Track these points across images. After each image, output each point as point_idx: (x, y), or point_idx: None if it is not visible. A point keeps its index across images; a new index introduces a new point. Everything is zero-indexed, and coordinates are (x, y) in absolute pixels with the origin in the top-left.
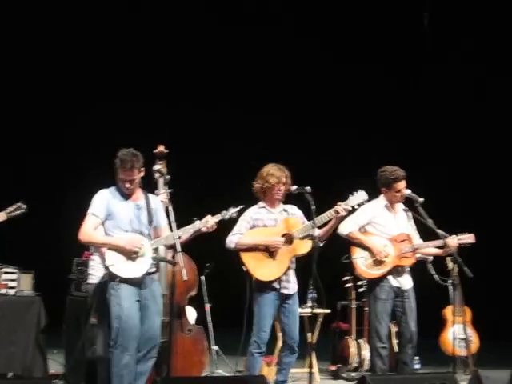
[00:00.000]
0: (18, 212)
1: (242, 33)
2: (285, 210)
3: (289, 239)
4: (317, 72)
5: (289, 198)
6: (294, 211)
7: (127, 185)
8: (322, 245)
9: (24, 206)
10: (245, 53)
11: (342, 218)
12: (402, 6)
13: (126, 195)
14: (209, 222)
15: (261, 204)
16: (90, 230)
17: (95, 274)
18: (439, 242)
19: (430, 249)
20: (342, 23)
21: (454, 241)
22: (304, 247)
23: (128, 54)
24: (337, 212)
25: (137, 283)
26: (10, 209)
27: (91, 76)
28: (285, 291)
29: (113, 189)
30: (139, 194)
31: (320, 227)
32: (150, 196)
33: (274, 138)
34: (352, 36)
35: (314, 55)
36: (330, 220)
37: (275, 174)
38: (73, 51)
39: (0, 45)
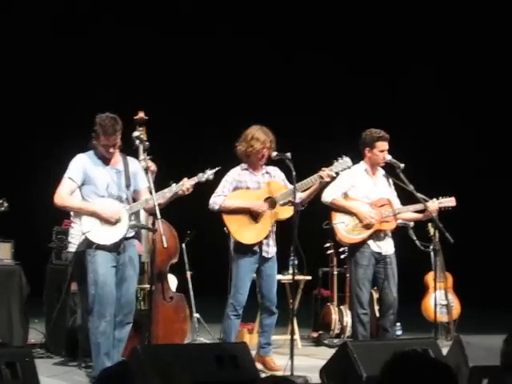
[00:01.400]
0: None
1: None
2: (267, 173)
3: (271, 203)
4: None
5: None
6: (277, 173)
7: (111, 149)
8: (303, 208)
9: (6, 205)
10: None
11: (325, 183)
12: None
13: (105, 160)
14: (184, 185)
15: (243, 166)
16: (65, 193)
17: (75, 242)
18: (420, 206)
19: (410, 214)
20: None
21: (434, 204)
22: (286, 212)
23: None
24: (321, 177)
25: (113, 249)
26: None
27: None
28: (265, 255)
29: (90, 153)
30: (117, 157)
31: (303, 191)
32: (129, 159)
33: (260, 97)
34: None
35: None
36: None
37: (260, 138)
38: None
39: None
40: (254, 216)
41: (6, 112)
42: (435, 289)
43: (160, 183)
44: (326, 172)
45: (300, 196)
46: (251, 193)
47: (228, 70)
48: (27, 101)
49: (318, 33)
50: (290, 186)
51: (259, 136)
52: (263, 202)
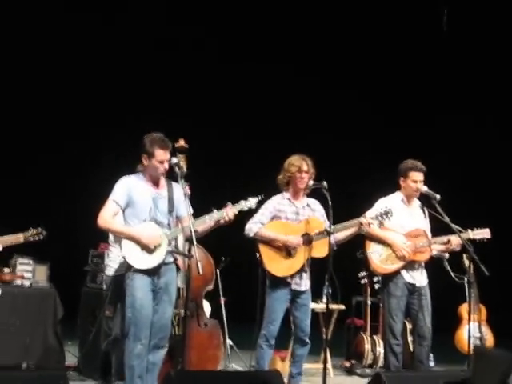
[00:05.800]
0: (36, 238)
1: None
2: (308, 205)
3: (307, 240)
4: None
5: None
6: (317, 207)
7: (166, 164)
8: (335, 248)
9: (44, 233)
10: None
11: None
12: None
13: (151, 183)
14: (228, 214)
15: (285, 194)
16: (108, 216)
17: (113, 265)
18: (445, 239)
19: (438, 245)
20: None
21: (457, 239)
22: (321, 251)
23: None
24: (360, 224)
25: (152, 273)
26: (30, 233)
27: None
28: (296, 287)
29: (137, 176)
30: (162, 182)
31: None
32: (174, 185)
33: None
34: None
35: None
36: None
37: (295, 162)
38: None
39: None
40: (289, 250)
41: (48, 137)
42: (469, 321)
43: (198, 209)
44: (366, 220)
45: (336, 237)
46: (289, 226)
47: (265, 98)
48: (68, 124)
49: (347, 69)
50: (328, 224)
51: (294, 161)
52: (300, 237)
